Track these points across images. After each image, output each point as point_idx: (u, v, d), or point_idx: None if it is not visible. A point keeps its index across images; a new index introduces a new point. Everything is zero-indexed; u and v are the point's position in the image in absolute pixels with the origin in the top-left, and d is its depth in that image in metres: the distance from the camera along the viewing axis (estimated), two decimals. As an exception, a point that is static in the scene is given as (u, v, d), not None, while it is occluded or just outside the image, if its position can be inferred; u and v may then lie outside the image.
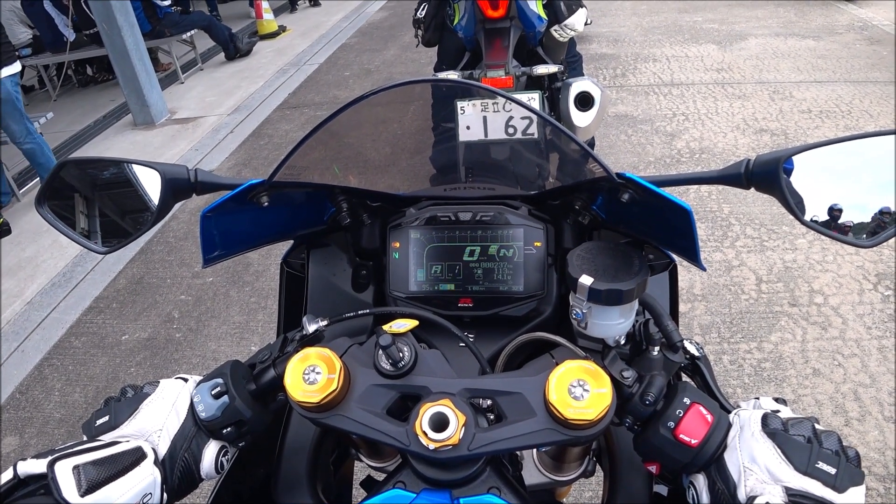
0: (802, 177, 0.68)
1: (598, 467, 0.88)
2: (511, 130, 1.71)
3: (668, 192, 0.67)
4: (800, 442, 0.56)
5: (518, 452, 0.78)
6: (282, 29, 8.24)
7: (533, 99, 2.21)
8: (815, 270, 2.80)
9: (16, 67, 4.10)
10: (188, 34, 6.78)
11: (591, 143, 3.17)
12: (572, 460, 0.87)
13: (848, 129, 3.98)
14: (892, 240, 0.65)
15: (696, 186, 3.25)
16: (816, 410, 2.15)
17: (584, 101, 2.19)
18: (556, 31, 2.53)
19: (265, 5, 8.00)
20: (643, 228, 0.80)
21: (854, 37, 5.50)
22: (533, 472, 0.90)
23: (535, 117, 1.73)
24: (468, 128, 1.80)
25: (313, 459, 0.86)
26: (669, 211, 0.67)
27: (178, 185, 0.81)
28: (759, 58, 5.27)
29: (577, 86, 2.18)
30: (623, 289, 0.63)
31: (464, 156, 1.69)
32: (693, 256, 0.68)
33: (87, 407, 2.63)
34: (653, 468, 0.65)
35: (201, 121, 5.57)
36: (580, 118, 2.19)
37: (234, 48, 7.22)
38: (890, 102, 4.23)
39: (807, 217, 0.67)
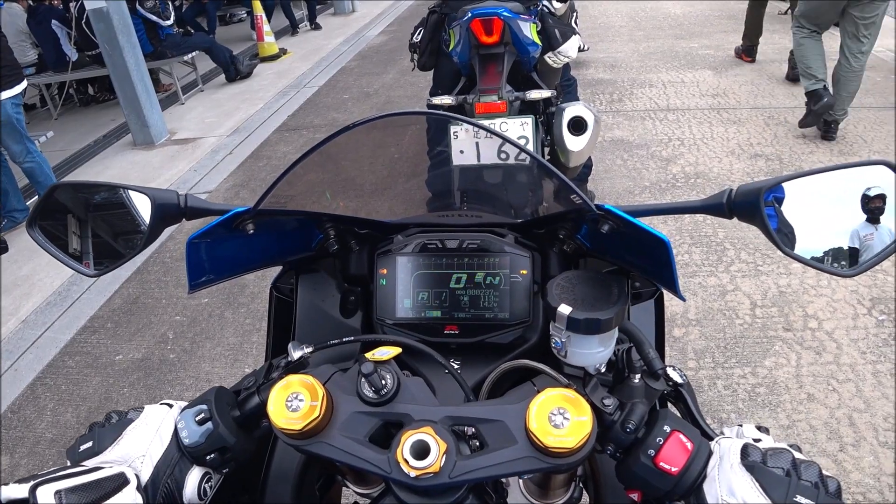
0: (789, 205, 0.69)
1: (584, 493, 0.88)
2: (503, 156, 1.73)
3: (654, 221, 0.68)
4: (778, 475, 0.56)
5: (503, 480, 0.78)
6: (282, 51, 8.33)
7: (526, 124, 2.23)
8: (810, 295, 2.80)
9: (18, 88, 4.12)
10: (189, 56, 6.86)
11: (588, 167, 3.19)
12: (558, 487, 0.86)
13: (842, 153, 4.01)
14: (892, 266, 0.66)
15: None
16: (811, 436, 2.15)
17: (578, 126, 2.21)
18: (549, 57, 2.57)
19: (266, 28, 8.11)
20: (626, 257, 0.81)
21: (847, 63, 5.56)
22: (518, 499, 0.89)
23: (527, 143, 1.75)
24: (462, 152, 1.82)
25: (298, 486, 0.85)
26: (648, 242, 0.68)
27: (168, 211, 0.82)
28: (754, 83, 5.33)
29: (571, 110, 2.20)
30: (602, 318, 0.63)
31: (458, 180, 1.71)
32: (672, 286, 0.69)
33: (78, 427, 2.61)
34: (635, 496, 0.65)
35: (201, 142, 5.61)
36: (573, 142, 2.21)
37: (234, 70, 7.29)
38: (883, 127, 4.27)
39: (791, 246, 0.68)
